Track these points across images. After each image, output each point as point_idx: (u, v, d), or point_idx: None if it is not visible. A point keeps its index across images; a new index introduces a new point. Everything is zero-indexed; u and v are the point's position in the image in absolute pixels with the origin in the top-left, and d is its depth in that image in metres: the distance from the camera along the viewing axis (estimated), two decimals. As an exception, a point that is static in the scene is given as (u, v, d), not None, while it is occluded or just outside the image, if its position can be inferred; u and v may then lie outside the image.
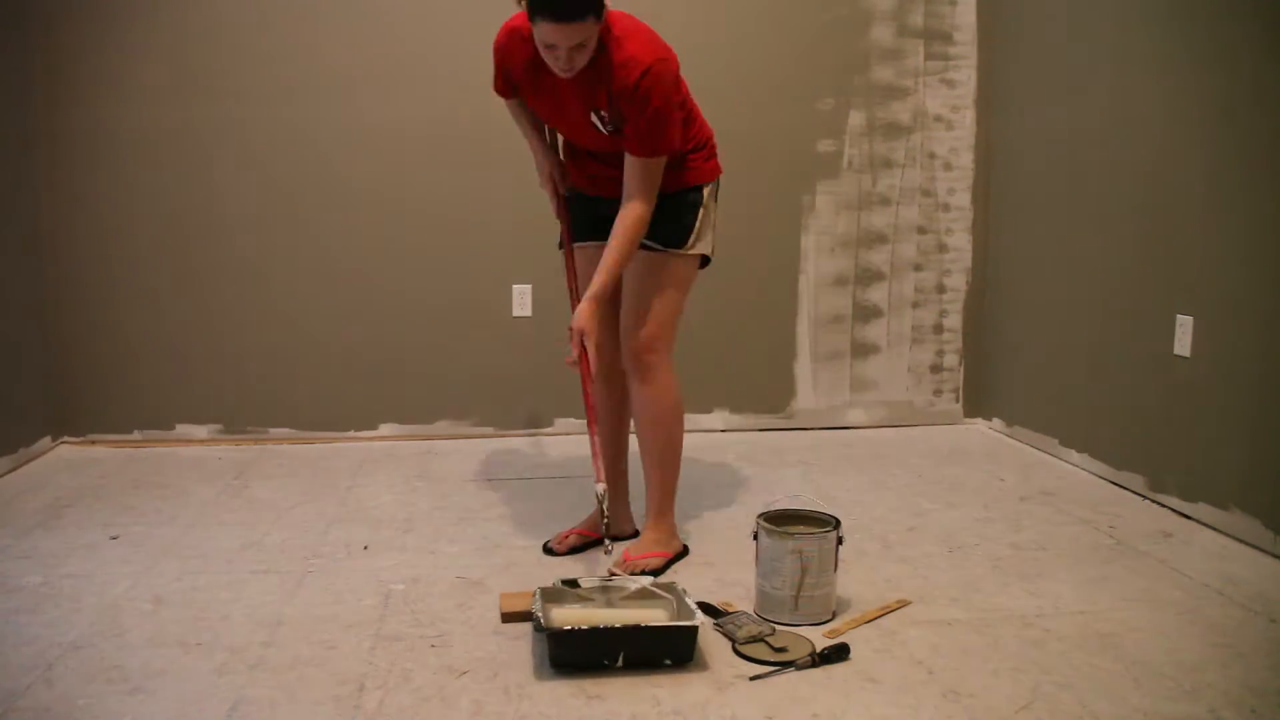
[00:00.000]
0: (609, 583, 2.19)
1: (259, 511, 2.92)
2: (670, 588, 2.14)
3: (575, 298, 2.62)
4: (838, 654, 2.01)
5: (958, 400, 4.03)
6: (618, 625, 1.98)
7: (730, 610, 2.20)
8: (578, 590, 2.17)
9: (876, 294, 3.93)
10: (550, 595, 2.14)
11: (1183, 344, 2.88)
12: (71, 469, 3.34)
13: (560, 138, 2.68)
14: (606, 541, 2.29)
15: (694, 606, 2.03)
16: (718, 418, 3.90)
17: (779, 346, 3.91)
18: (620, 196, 2.39)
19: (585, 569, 2.46)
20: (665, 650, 1.96)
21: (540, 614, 1.99)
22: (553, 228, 3.73)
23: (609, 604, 2.15)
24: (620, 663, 1.95)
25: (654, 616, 2.08)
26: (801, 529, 2.22)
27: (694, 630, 1.97)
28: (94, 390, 3.61)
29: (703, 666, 1.99)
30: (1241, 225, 2.68)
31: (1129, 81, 3.11)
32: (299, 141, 3.60)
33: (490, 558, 2.57)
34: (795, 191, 3.85)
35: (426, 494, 3.10)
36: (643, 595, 2.16)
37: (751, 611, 2.21)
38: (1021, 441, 3.73)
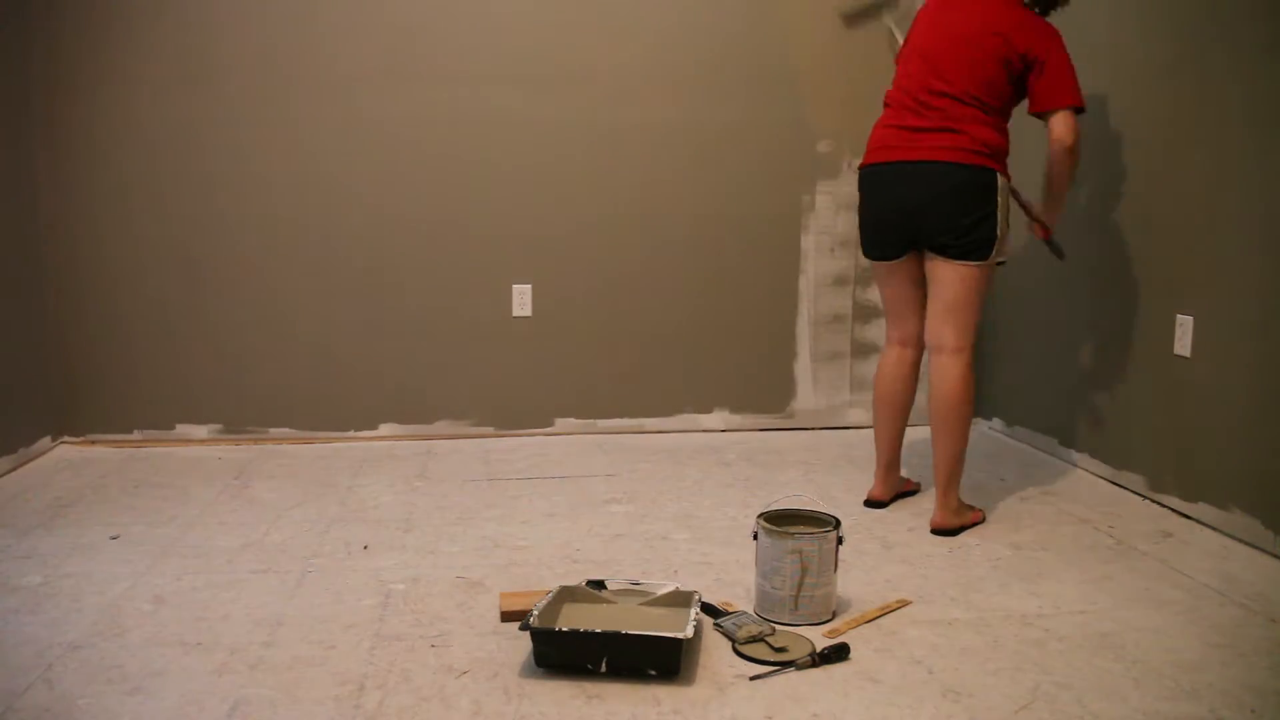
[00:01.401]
0: (636, 586, 2.19)
1: (259, 511, 2.92)
2: (690, 597, 2.13)
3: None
4: (838, 654, 2.01)
5: (958, 400, 4.03)
6: (598, 630, 1.95)
7: (730, 610, 2.20)
8: (600, 592, 2.17)
9: (876, 294, 3.93)
10: (567, 594, 2.15)
11: (1183, 344, 2.88)
12: (71, 469, 3.34)
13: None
14: None
15: (694, 618, 1.99)
16: (718, 418, 3.91)
17: (779, 346, 3.92)
18: None
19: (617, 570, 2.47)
20: (649, 660, 1.92)
21: (536, 611, 1.99)
22: (551, 228, 3.75)
23: (629, 606, 2.14)
24: (604, 668, 1.92)
25: (661, 622, 2.07)
26: (801, 529, 2.22)
27: (678, 643, 1.90)
28: (94, 390, 3.61)
29: (703, 666, 1.99)
30: (1241, 225, 2.68)
31: (1128, 81, 3.11)
32: (299, 140, 3.60)
33: (490, 558, 2.57)
34: (795, 191, 3.85)
35: (426, 494, 3.10)
36: (671, 601, 2.14)
37: (751, 611, 2.21)
38: (1021, 441, 3.73)
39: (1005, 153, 2.75)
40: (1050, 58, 2.68)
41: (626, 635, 1.92)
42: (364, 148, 3.63)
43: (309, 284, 3.66)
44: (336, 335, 3.69)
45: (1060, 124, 2.69)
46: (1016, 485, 3.21)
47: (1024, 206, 2.93)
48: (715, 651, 2.05)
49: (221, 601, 2.29)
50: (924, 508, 2.97)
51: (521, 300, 3.76)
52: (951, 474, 2.80)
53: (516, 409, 3.81)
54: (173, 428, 3.66)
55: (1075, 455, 3.41)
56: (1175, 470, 2.94)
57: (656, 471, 3.35)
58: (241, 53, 3.54)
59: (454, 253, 3.71)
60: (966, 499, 3.02)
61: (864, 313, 3.94)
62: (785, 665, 1.97)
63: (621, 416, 3.86)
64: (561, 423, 3.84)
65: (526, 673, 1.95)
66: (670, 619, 2.08)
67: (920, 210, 2.72)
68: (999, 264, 2.79)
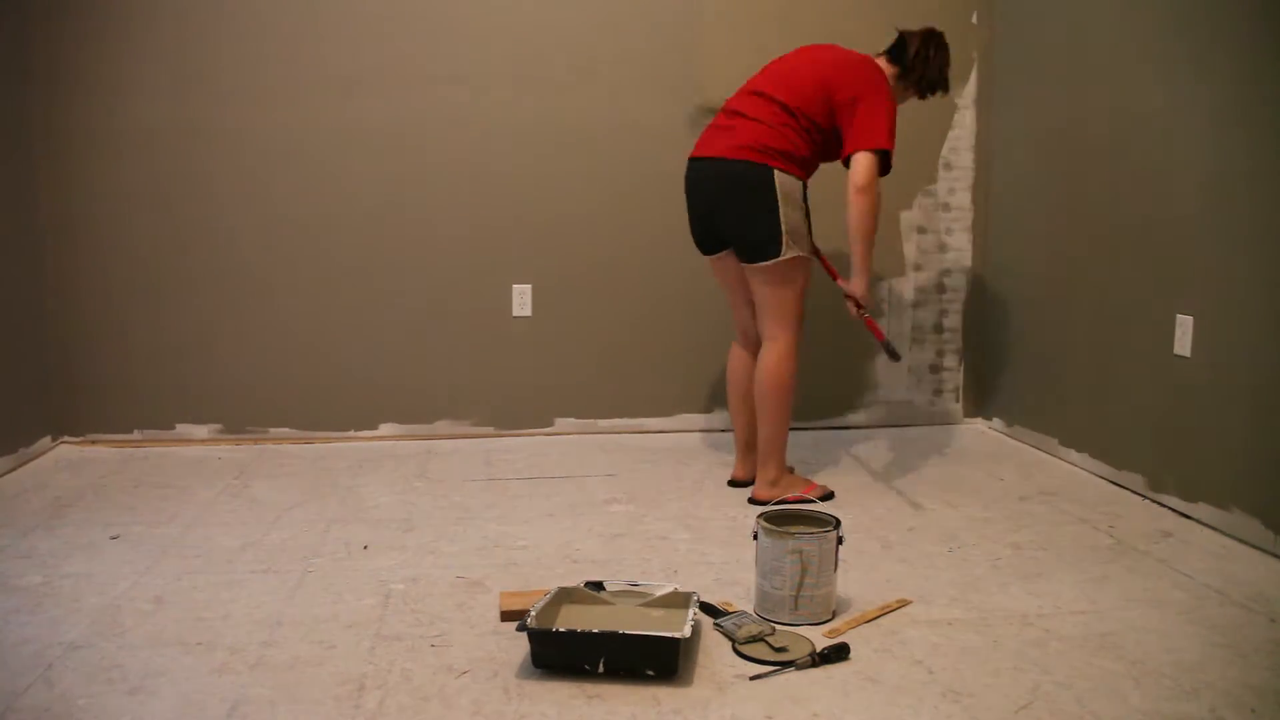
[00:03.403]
0: (635, 587, 2.19)
1: (259, 511, 2.92)
2: (688, 598, 2.13)
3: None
4: (838, 654, 2.01)
5: (958, 400, 4.03)
6: (595, 630, 1.95)
7: (730, 610, 2.20)
8: (598, 593, 2.17)
9: (877, 294, 3.93)
10: (565, 595, 2.15)
11: (1183, 344, 2.88)
12: (71, 469, 3.34)
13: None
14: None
15: (692, 618, 1.99)
16: (718, 417, 3.90)
17: (779, 346, 3.91)
18: None
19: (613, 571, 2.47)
20: (646, 660, 1.92)
21: (534, 612, 1.99)
22: (551, 228, 3.75)
23: (628, 607, 2.14)
24: (601, 669, 1.92)
25: (659, 623, 2.07)
26: (801, 529, 2.22)
27: (675, 643, 1.90)
28: (94, 390, 3.61)
29: (703, 666, 1.99)
30: (1241, 225, 2.68)
31: (1129, 80, 3.11)
32: (299, 141, 3.60)
33: (490, 558, 2.57)
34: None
35: (426, 494, 3.10)
36: (670, 602, 2.14)
37: (751, 611, 2.21)
38: (1021, 441, 3.73)
39: (798, 160, 2.82)
40: (865, 99, 2.77)
41: (623, 635, 1.92)
42: (363, 148, 3.63)
43: (309, 284, 3.66)
44: (336, 335, 3.69)
45: (859, 164, 2.75)
46: (1016, 485, 3.21)
47: (824, 264, 3.07)
48: (715, 651, 2.05)
49: (221, 601, 2.29)
50: (924, 507, 2.97)
51: (521, 300, 3.76)
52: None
53: (516, 409, 3.81)
54: (173, 428, 3.66)
55: (1075, 455, 3.41)
56: (1175, 470, 2.94)
57: (656, 471, 3.35)
58: (241, 54, 3.54)
59: (454, 253, 3.71)
60: (966, 497, 3.03)
61: (864, 313, 3.94)
62: (785, 665, 1.97)
63: (621, 416, 3.86)
64: (561, 423, 3.84)
65: (526, 673, 1.95)
66: (669, 619, 2.08)
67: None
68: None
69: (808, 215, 2.90)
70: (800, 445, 3.70)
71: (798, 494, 2.90)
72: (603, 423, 3.85)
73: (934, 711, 1.83)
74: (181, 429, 3.66)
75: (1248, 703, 1.86)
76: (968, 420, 4.04)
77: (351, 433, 3.74)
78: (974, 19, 3.87)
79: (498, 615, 2.20)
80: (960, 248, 3.96)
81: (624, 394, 3.85)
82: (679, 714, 1.82)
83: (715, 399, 3.89)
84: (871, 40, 3.77)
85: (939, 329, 3.99)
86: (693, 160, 2.97)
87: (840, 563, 2.23)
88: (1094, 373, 3.31)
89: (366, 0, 3.57)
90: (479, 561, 2.54)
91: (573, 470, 3.36)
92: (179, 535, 2.72)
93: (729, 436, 3.82)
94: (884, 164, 2.79)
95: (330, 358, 3.70)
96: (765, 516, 2.26)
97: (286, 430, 3.71)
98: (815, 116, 2.81)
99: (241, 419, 3.69)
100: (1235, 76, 2.69)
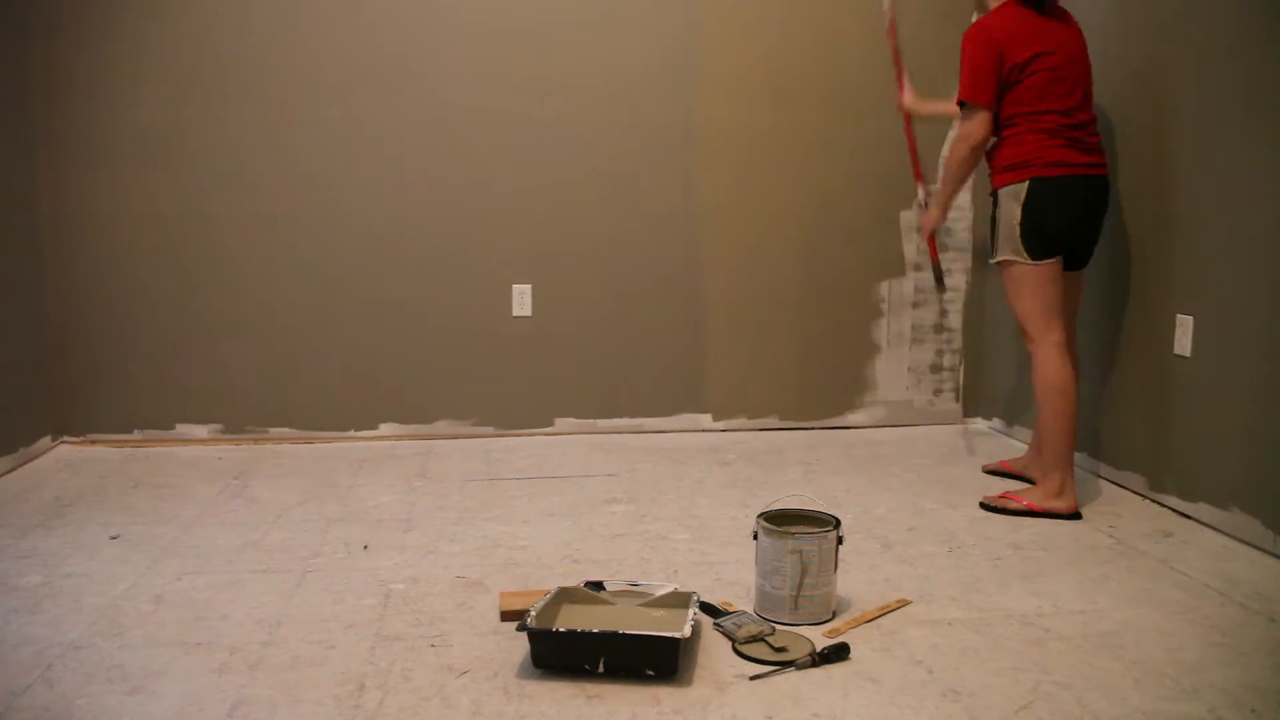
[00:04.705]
0: (635, 587, 2.19)
1: (259, 511, 2.92)
2: (688, 598, 2.13)
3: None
4: (838, 654, 2.01)
5: (958, 400, 4.03)
6: (595, 630, 1.96)
7: (730, 610, 2.20)
8: (598, 593, 2.17)
9: (875, 294, 3.93)
10: (565, 595, 2.15)
11: (1183, 344, 2.88)
12: (71, 469, 3.34)
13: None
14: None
15: (692, 618, 1.99)
16: (719, 418, 3.90)
17: (780, 347, 3.91)
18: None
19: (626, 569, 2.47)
20: (646, 660, 1.92)
21: (534, 612, 1.99)
22: (551, 228, 3.75)
23: (628, 607, 2.14)
24: (601, 669, 1.92)
25: (659, 623, 2.07)
26: (801, 529, 2.22)
27: (675, 643, 1.91)
28: (94, 390, 3.61)
29: (703, 666, 1.99)
30: (1242, 225, 2.68)
31: (1128, 80, 3.11)
32: (298, 141, 3.59)
33: (490, 558, 2.57)
34: (797, 191, 3.84)
35: (426, 494, 3.10)
36: (670, 602, 2.14)
37: (751, 611, 2.21)
38: (1021, 441, 3.73)
39: (1007, 164, 2.91)
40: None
41: (623, 635, 1.93)
42: (364, 149, 3.63)
43: (309, 284, 3.66)
44: (336, 335, 3.69)
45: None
46: (1016, 485, 3.20)
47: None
48: (715, 651, 2.05)
49: (221, 601, 2.29)
50: (924, 507, 2.97)
51: (521, 300, 3.76)
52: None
53: (516, 409, 3.81)
54: (173, 428, 3.66)
55: (1075, 455, 3.41)
56: (1175, 470, 2.94)
57: (656, 471, 3.35)
58: (241, 55, 3.54)
59: (454, 253, 3.71)
60: (966, 497, 3.03)
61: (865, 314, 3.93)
62: (785, 665, 1.98)
63: (621, 416, 3.86)
64: (561, 423, 3.84)
65: (526, 673, 1.95)
66: (669, 619, 2.08)
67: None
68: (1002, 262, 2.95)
69: (1025, 217, 2.86)
70: (800, 445, 3.70)
71: (1026, 504, 2.92)
72: (603, 423, 3.85)
73: (934, 711, 1.83)
74: (181, 429, 3.66)
75: (1248, 703, 1.86)
76: (968, 420, 4.04)
77: (351, 433, 3.74)
78: (974, 19, 3.86)
79: (498, 615, 2.20)
80: (960, 247, 3.96)
81: (624, 394, 3.85)
82: (679, 714, 1.82)
83: (715, 399, 3.89)
84: (871, 40, 3.77)
85: (939, 329, 3.99)
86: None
87: (840, 563, 2.23)
88: (1094, 373, 3.31)
89: (367, 2, 3.58)
90: (479, 561, 2.54)
91: (573, 470, 3.36)
92: (179, 535, 2.72)
93: (728, 436, 3.82)
94: (972, 112, 2.91)
95: (330, 358, 3.70)
96: (765, 516, 2.26)
97: (286, 430, 3.71)
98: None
99: (241, 419, 3.68)
100: (1235, 75, 2.69)
